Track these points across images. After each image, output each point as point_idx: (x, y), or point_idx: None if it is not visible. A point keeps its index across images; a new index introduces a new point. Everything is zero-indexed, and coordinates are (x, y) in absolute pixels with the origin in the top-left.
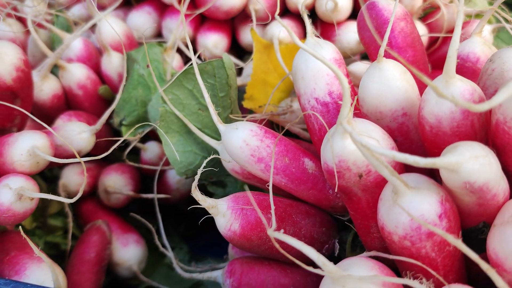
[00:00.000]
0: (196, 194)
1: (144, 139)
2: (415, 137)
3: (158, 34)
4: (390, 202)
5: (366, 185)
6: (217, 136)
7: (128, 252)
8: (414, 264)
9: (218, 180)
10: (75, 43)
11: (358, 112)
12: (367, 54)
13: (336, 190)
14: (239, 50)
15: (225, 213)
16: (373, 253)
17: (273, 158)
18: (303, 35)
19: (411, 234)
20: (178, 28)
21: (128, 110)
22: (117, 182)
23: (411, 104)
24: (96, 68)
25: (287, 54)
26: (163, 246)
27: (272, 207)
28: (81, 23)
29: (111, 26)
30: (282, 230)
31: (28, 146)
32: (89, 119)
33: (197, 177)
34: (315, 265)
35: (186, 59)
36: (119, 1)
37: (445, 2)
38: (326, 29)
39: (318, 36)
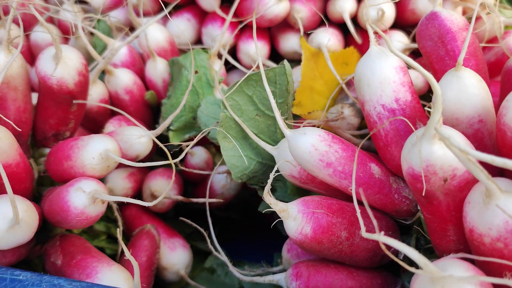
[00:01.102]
0: (268, 198)
1: (189, 144)
2: (488, 143)
3: (197, 41)
4: (480, 205)
5: (449, 189)
6: (271, 141)
7: (176, 256)
8: (502, 265)
9: None
10: (120, 49)
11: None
12: (428, 63)
13: (423, 194)
14: (276, 58)
15: (296, 217)
16: (461, 254)
17: (355, 164)
18: (345, 44)
19: (505, 236)
20: (222, 35)
21: (176, 116)
22: (163, 187)
23: (487, 111)
24: (139, 73)
25: (332, 61)
26: (215, 250)
27: (367, 205)
28: (124, 28)
29: (156, 33)
30: (382, 232)
31: (101, 149)
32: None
33: (269, 181)
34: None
35: (227, 66)
36: (168, 9)
37: (485, 12)
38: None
39: (380, 44)
